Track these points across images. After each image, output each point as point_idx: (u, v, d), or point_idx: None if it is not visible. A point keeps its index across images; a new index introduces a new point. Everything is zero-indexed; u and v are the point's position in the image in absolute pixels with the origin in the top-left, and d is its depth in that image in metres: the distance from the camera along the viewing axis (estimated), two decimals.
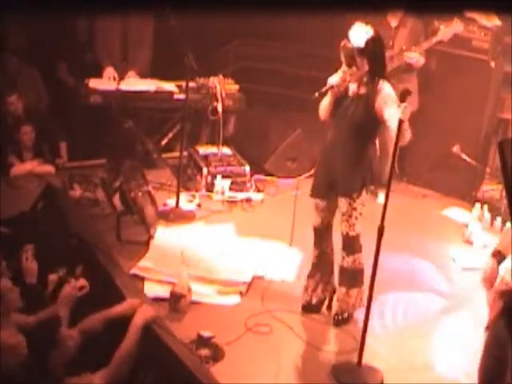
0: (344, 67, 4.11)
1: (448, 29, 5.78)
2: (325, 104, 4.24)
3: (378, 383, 3.95)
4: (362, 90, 4.15)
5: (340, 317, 4.39)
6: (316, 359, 4.10)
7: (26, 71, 6.29)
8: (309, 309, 4.51)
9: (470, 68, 5.96)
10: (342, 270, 4.37)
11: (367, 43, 3.99)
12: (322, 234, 4.44)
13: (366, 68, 4.06)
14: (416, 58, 5.88)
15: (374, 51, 4.05)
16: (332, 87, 4.13)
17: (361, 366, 3.95)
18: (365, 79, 4.11)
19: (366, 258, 4.23)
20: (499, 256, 3.54)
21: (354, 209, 4.19)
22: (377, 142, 4.59)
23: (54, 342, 3.03)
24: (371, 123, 4.15)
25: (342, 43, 4.06)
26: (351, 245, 4.29)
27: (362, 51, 4.01)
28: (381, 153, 6.07)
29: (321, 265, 4.49)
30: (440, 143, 6.37)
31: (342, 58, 4.10)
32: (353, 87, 4.18)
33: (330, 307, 4.53)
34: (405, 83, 5.78)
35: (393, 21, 5.99)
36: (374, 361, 4.05)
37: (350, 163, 4.18)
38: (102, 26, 6.32)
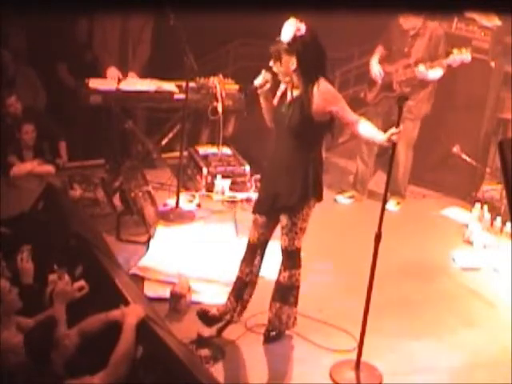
0: (271, 64, 3.86)
1: (458, 56, 5.60)
2: (263, 109, 4.07)
3: (376, 383, 3.96)
4: (296, 93, 3.89)
5: (270, 334, 4.20)
6: (315, 359, 4.10)
7: (22, 71, 6.29)
8: (209, 319, 4.22)
9: (470, 68, 5.95)
10: (278, 284, 4.15)
11: (295, 40, 3.72)
12: (255, 251, 4.14)
13: (294, 66, 3.79)
14: (424, 73, 5.69)
15: (303, 50, 3.74)
16: (256, 88, 3.93)
17: (360, 365, 3.95)
18: (295, 78, 3.84)
19: (364, 262, 4.14)
20: None
21: (294, 224, 3.95)
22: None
23: (51, 342, 3.03)
24: (309, 128, 3.85)
25: (277, 39, 3.79)
26: (289, 259, 4.08)
27: (288, 48, 3.74)
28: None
29: (249, 284, 4.19)
30: (440, 143, 6.37)
31: (274, 55, 3.84)
32: (291, 92, 3.94)
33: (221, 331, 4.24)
34: (416, 94, 5.79)
35: (410, 29, 5.74)
36: (374, 361, 4.05)
37: (289, 174, 3.91)
38: (102, 25, 6.31)
